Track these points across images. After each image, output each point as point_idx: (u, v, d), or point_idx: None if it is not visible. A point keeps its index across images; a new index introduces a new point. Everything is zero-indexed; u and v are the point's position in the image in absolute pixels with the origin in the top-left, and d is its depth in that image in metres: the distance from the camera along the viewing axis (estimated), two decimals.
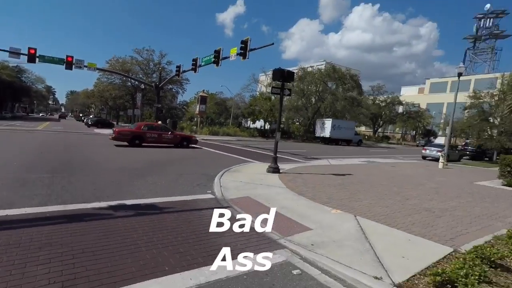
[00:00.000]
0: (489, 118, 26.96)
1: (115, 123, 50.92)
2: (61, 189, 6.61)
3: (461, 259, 3.62)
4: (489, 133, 26.44)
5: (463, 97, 28.53)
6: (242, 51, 19.66)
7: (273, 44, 21.95)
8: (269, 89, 47.87)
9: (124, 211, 5.40)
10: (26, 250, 3.65)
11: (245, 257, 3.90)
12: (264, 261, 3.82)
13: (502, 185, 11.19)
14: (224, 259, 3.79)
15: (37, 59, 23.93)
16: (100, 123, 41.76)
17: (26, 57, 23.48)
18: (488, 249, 3.91)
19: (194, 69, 25.71)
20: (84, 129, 34.69)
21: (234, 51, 20.86)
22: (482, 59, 72.97)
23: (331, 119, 37.25)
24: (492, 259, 3.71)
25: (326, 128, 36.75)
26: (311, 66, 47.15)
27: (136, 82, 45.34)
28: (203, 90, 43.64)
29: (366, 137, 59.64)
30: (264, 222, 5.18)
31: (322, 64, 48.98)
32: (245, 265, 3.66)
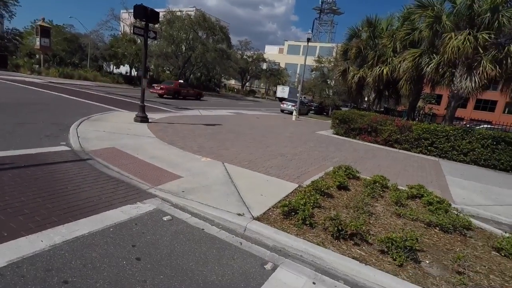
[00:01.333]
0: (327, 80, 33.18)
1: None
2: None
3: (302, 191, 4.61)
4: (327, 92, 32.80)
5: (311, 61, 33.59)
6: None
7: None
8: (133, 30, 41.44)
9: None
10: None
11: (111, 209, 3.67)
12: (132, 211, 3.72)
13: (333, 134, 14.41)
14: (85, 214, 3.45)
15: None
16: None
17: None
18: (320, 182, 5.11)
19: None
20: None
21: None
22: (324, 29, 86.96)
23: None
24: (322, 189, 4.89)
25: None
26: (180, 11, 43.46)
27: None
28: (43, 19, 33.51)
29: (235, 90, 62.86)
30: (133, 172, 4.92)
31: (192, 11, 46.10)
32: (111, 218, 3.46)
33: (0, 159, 4.82)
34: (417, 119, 18.33)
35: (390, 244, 3.27)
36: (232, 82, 67.99)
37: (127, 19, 42.08)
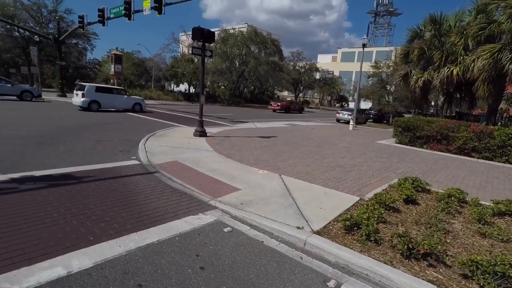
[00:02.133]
0: (386, 86, 31.25)
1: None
2: None
3: (364, 205, 4.37)
4: (386, 99, 30.85)
5: (367, 67, 32.14)
6: (157, 5, 17.79)
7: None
8: (191, 50, 44.93)
9: (33, 183, 4.74)
10: None
11: (176, 219, 3.94)
12: (195, 222, 3.94)
13: (395, 143, 13.46)
14: (154, 223, 3.76)
15: None
16: None
17: None
18: (384, 195, 4.79)
19: (102, 22, 22.34)
20: None
21: (147, 4, 18.69)
22: (381, 33, 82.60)
23: None
24: (387, 203, 4.57)
25: None
26: (233, 28, 45.79)
27: (27, 33, 37.23)
28: (117, 48, 38.55)
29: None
30: (194, 184, 5.23)
31: (244, 27, 48.13)
32: (176, 228, 3.72)
33: (86, 172, 5.58)
34: (499, 123, 16.06)
35: (474, 268, 2.88)
36: (285, 93, 68.45)
37: (185, 41, 45.88)
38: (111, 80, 40.56)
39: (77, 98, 16.80)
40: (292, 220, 3.99)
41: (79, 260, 2.86)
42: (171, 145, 8.28)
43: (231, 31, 42.28)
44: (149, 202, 4.45)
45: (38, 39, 33.01)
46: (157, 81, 48.46)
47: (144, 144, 8.07)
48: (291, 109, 34.87)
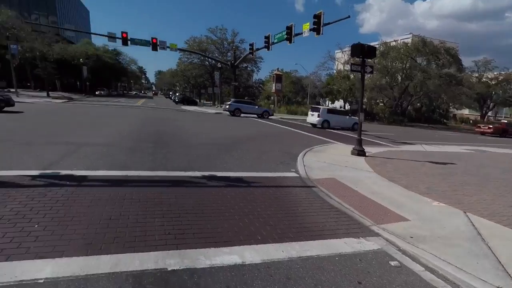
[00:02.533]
0: None
1: (198, 100, 55.33)
2: (163, 157, 7.60)
3: None
4: None
5: None
6: (316, 26, 18.92)
7: (349, 17, 20.46)
8: (347, 67, 45.07)
9: (216, 182, 5.93)
10: (144, 205, 4.38)
11: (335, 238, 3.90)
12: (356, 245, 3.76)
13: None
14: (313, 237, 3.86)
15: (128, 42, 27.20)
16: (186, 100, 46.05)
17: (120, 40, 26.92)
18: None
19: (267, 47, 25.84)
20: (173, 106, 38.71)
21: (306, 26, 20.22)
22: None
23: None
24: None
25: None
26: (394, 40, 42.02)
27: (213, 61, 47.85)
28: (277, 69, 43.54)
29: (470, 121, 51.54)
30: (353, 205, 5.05)
31: (408, 38, 43.26)
32: (335, 247, 3.67)
33: (254, 178, 6.47)
34: None
35: None
36: (466, 111, 56.47)
37: (341, 58, 46.28)
38: (271, 97, 46.05)
39: (313, 118, 21.40)
40: (490, 276, 3.12)
41: (251, 254, 3.30)
42: (328, 162, 8.40)
43: (392, 43, 39.20)
44: (308, 215, 4.63)
45: (220, 66, 41.89)
46: (313, 98, 51.04)
47: (302, 158, 8.56)
48: (509, 132, 30.00)
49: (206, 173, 6.44)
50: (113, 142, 9.09)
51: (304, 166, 7.66)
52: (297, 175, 7.03)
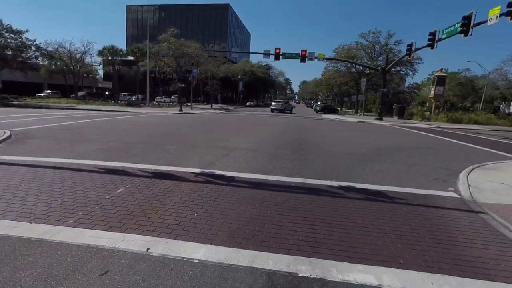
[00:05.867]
0: None
1: (339, 109, 54.54)
2: (300, 164, 7.91)
3: None
4: None
5: None
6: (511, 9, 14.84)
7: None
8: None
9: (354, 193, 5.66)
10: (281, 209, 4.69)
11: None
12: None
13: None
14: (477, 275, 3.08)
15: (280, 57, 29.79)
16: (327, 109, 46.35)
17: (273, 56, 29.82)
18: None
19: (431, 45, 22.56)
20: (313, 114, 39.72)
21: (495, 11, 16.27)
22: None
23: None
24: None
25: None
26: None
27: (361, 68, 45.74)
28: (441, 69, 36.99)
29: None
30: None
31: None
32: None
33: (398, 193, 5.78)
34: None
35: None
36: None
37: None
38: (427, 103, 39.82)
39: None
40: None
41: (390, 278, 2.96)
42: (507, 183, 6.52)
43: None
44: (471, 246, 3.74)
45: (368, 72, 39.70)
46: (489, 102, 40.86)
47: (467, 176, 6.99)
48: None
49: (344, 184, 6.25)
50: (257, 148, 10.17)
51: (469, 186, 6.23)
52: (458, 196, 5.79)
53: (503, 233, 4.17)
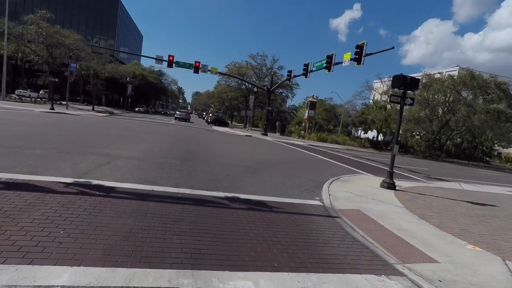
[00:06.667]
0: None
1: (229, 122, 56.78)
2: (188, 175, 7.81)
3: None
4: None
5: None
6: (357, 56, 19.05)
7: (393, 48, 20.31)
8: (384, 97, 44.34)
9: (238, 204, 5.95)
10: (165, 221, 4.49)
11: (355, 273, 3.71)
12: (377, 283, 3.54)
13: None
14: (331, 270, 3.70)
15: (174, 65, 29.21)
16: (218, 121, 47.42)
17: (166, 63, 28.93)
18: None
19: (305, 74, 26.35)
20: (204, 125, 40.02)
21: (347, 56, 20.41)
22: None
23: None
24: None
25: None
26: (439, 73, 40.81)
27: (250, 85, 49.29)
28: (313, 96, 43.78)
29: None
30: (377, 240, 4.80)
31: (455, 70, 41.65)
32: (355, 283, 3.48)
33: (276, 203, 6.41)
34: None
35: None
36: None
37: (379, 88, 45.66)
38: (302, 124, 46.02)
39: None
40: None
41: (265, 281, 3.22)
42: (355, 193, 8.13)
43: (437, 75, 38.04)
44: (328, 246, 4.47)
45: (256, 90, 42.97)
46: (344, 127, 50.22)
47: (328, 187, 8.37)
48: None
49: (230, 194, 6.50)
50: (144, 157, 9.53)
51: (330, 195, 7.47)
52: (321, 204, 6.86)
53: (350, 233, 5.14)
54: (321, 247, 4.40)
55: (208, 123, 47.92)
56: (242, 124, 55.22)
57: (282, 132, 39.56)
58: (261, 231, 4.69)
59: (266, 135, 33.29)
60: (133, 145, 12.19)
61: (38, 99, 39.90)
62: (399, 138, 10.00)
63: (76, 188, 5.44)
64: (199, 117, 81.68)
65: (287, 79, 31.68)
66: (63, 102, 36.96)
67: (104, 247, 3.47)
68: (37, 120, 16.84)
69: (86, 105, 47.82)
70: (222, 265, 3.45)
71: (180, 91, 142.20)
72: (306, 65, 26.08)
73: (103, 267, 3.05)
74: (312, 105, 38.69)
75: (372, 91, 48.57)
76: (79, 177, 6.12)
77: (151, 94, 76.31)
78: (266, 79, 50.03)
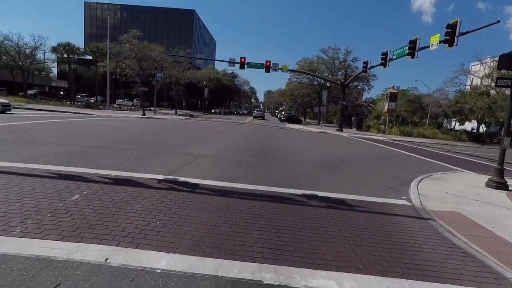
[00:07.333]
0: None
1: (302, 119, 56.29)
2: (265, 173, 7.99)
3: None
4: None
5: None
6: (448, 37, 16.67)
7: (498, 22, 17.03)
8: (486, 82, 37.70)
9: (316, 201, 5.83)
10: (245, 216, 4.68)
11: (458, 285, 3.24)
12: None
13: None
14: (427, 278, 3.32)
15: (245, 66, 30.24)
16: (291, 119, 47.54)
17: (238, 65, 30.16)
18: None
19: (384, 64, 24.33)
20: (278, 124, 40.50)
21: (435, 38, 18.05)
22: None
23: None
24: None
25: None
26: None
27: (322, 81, 47.85)
28: (393, 87, 39.97)
29: None
30: (486, 249, 4.12)
31: None
32: None
33: (357, 201, 6.07)
34: None
35: None
36: None
37: (478, 72, 39.28)
38: (382, 117, 42.66)
39: None
40: None
41: (350, 283, 3.07)
42: (451, 192, 7.14)
43: None
44: (421, 251, 4.03)
45: (329, 85, 41.58)
46: (434, 118, 44.73)
47: (417, 186, 7.55)
48: None
49: (307, 192, 6.42)
50: (222, 156, 10.11)
51: (419, 194, 6.73)
52: (409, 204, 6.23)
53: (448, 238, 4.54)
54: (412, 251, 3.99)
55: (281, 121, 48.40)
56: (316, 121, 54.00)
57: (359, 127, 37.34)
58: (342, 230, 4.49)
59: (342, 130, 31.91)
60: (212, 144, 13.07)
61: (133, 107, 46.36)
62: (510, 128, 8.44)
63: (166, 184, 6.09)
64: (272, 116, 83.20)
65: (362, 71, 29.71)
66: (152, 108, 41.96)
67: (193, 238, 3.79)
68: (132, 125, 19.49)
69: (170, 109, 53.41)
70: (303, 262, 3.42)
71: (252, 91, 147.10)
72: (385, 54, 24.05)
73: (193, 255, 3.35)
74: (393, 97, 35.48)
75: (469, 75, 41.82)
76: (168, 174, 6.83)
77: (225, 96, 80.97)
78: (339, 73, 47.84)
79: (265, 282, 2.96)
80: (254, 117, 55.75)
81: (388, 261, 3.65)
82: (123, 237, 3.64)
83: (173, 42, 77.58)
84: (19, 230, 3.58)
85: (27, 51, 45.66)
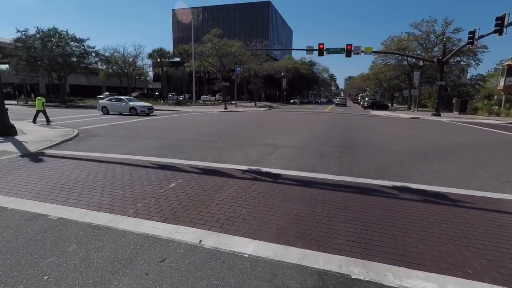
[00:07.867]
0: None
1: (389, 104, 51.59)
2: (349, 163, 7.61)
3: None
4: None
5: None
6: None
7: None
8: None
9: (409, 194, 5.28)
10: (329, 207, 4.55)
11: None
12: None
13: None
14: None
15: (324, 52, 29.06)
16: (376, 105, 44.09)
17: (316, 52, 29.17)
18: None
19: (500, 31, 20.29)
20: (361, 111, 38.09)
21: None
22: None
23: None
24: None
25: None
26: None
27: (413, 60, 42.68)
28: (511, 58, 32.90)
29: None
30: None
31: None
32: None
33: (462, 196, 5.27)
34: None
35: None
36: None
37: None
38: (495, 97, 35.86)
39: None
40: None
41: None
42: None
43: None
44: None
45: (422, 64, 36.91)
46: None
47: None
48: None
49: (398, 183, 5.88)
50: (304, 146, 10.01)
51: None
52: None
53: None
54: None
55: (365, 107, 45.36)
56: (405, 106, 48.79)
57: (462, 110, 32.17)
58: (444, 228, 3.96)
59: (439, 115, 28.11)
60: (292, 134, 13.07)
61: (216, 102, 49.75)
62: None
63: (250, 174, 6.35)
64: (354, 102, 78.71)
65: (468, 43, 25.19)
66: (232, 102, 44.34)
67: (277, 226, 3.88)
68: (216, 119, 20.94)
69: (249, 102, 55.57)
70: (395, 259, 3.14)
71: (332, 78, 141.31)
72: (501, 18, 19.95)
73: (278, 244, 3.43)
74: (511, 70, 29.43)
75: None
76: (251, 165, 7.12)
77: (303, 85, 79.86)
78: (436, 49, 41.90)
79: (353, 277, 2.83)
80: (336, 104, 60.51)
81: (509, 268, 3.07)
82: (214, 222, 3.96)
83: (251, 36, 79.86)
84: (132, 211, 4.25)
85: (130, 59, 53.47)
